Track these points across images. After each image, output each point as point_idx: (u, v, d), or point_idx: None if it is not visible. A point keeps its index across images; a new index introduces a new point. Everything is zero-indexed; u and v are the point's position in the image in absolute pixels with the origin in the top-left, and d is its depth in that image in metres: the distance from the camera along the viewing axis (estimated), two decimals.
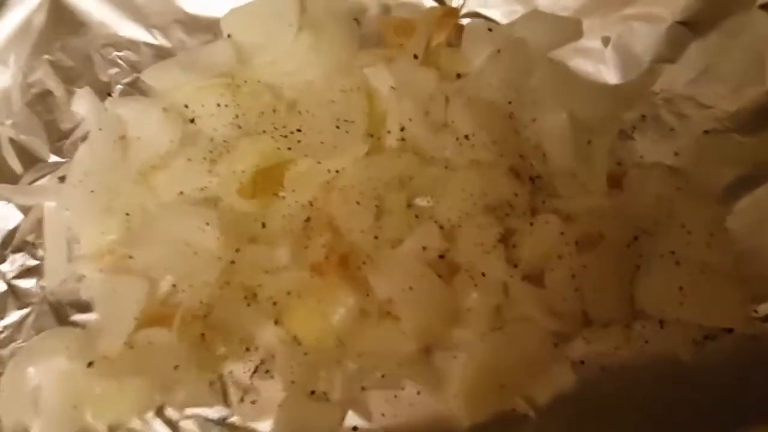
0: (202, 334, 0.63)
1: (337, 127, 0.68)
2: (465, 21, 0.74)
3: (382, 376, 0.62)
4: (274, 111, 0.71)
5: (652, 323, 0.61)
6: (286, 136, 0.69)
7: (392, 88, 0.69)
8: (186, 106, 0.72)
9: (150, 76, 0.74)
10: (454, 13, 0.73)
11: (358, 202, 0.65)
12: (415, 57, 0.70)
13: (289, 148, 0.68)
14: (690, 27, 0.68)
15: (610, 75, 0.71)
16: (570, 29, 0.71)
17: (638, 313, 0.62)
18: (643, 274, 0.62)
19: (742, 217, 0.63)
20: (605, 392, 0.60)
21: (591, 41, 0.71)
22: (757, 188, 0.64)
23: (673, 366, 0.60)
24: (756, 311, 0.60)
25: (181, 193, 0.68)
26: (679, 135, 0.67)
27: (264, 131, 0.70)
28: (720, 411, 0.58)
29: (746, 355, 0.59)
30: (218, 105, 0.71)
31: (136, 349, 0.63)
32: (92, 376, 0.62)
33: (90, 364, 0.62)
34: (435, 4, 0.75)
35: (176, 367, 0.62)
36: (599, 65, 0.71)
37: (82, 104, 0.75)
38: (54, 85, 0.77)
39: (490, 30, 0.71)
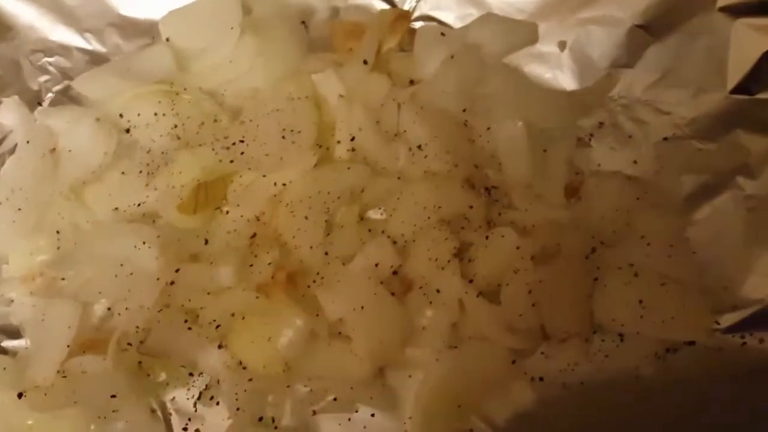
0: (140, 362, 0.61)
1: (284, 138, 0.66)
2: (417, 24, 0.73)
3: (334, 399, 0.61)
4: (215, 120, 0.69)
5: (612, 337, 0.61)
6: (228, 148, 0.67)
7: (341, 95, 0.67)
8: (121, 116, 0.69)
9: (82, 84, 0.72)
10: (406, 16, 0.72)
11: (306, 217, 0.64)
12: (366, 62, 0.69)
13: (232, 161, 0.66)
14: (648, 30, 0.68)
15: (566, 81, 0.71)
16: (525, 33, 0.71)
17: (598, 327, 0.61)
18: (602, 286, 0.62)
19: (703, 226, 0.63)
20: (565, 409, 0.60)
21: (547, 46, 0.71)
22: (717, 197, 0.63)
23: (634, 381, 0.60)
24: (718, 323, 0.60)
25: (116, 209, 0.66)
26: (637, 142, 0.67)
27: (205, 143, 0.68)
28: (683, 427, 0.57)
29: (709, 368, 0.59)
30: (156, 114, 0.68)
31: (70, 377, 0.60)
32: (24, 408, 0.60)
33: (21, 395, 0.60)
34: (386, 7, 0.74)
35: (113, 396, 0.60)
36: (556, 71, 0.71)
37: (10, 115, 0.72)
38: None
39: (443, 34, 0.70)
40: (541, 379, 0.60)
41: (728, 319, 0.60)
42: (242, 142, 0.66)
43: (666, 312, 0.60)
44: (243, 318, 0.61)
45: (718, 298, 0.61)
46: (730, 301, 0.61)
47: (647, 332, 0.60)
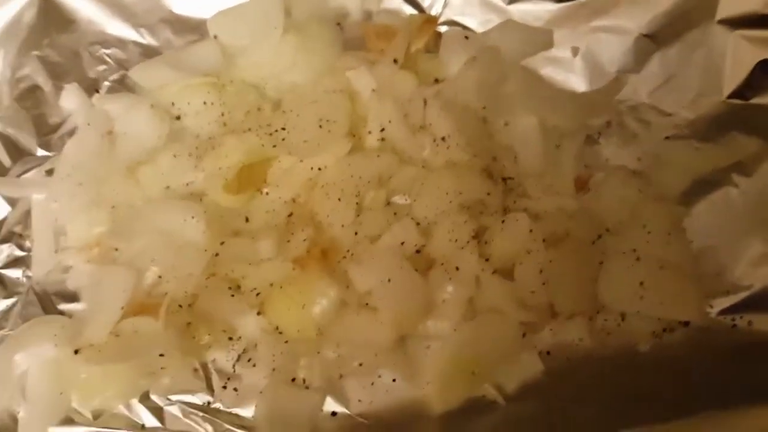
0: (188, 323, 0.65)
1: (320, 127, 0.70)
2: (443, 29, 0.77)
3: (360, 364, 0.64)
4: (259, 110, 0.73)
5: (614, 316, 0.63)
6: (270, 134, 0.70)
7: (373, 90, 0.71)
8: (173, 104, 0.73)
9: (137, 74, 0.75)
10: (433, 21, 0.76)
11: (339, 199, 0.67)
12: (395, 62, 0.72)
13: (274, 146, 0.70)
14: (654, 39, 0.71)
15: (578, 83, 0.73)
16: (542, 39, 0.73)
17: (601, 307, 0.64)
18: (606, 269, 0.64)
19: (699, 218, 0.66)
20: (570, 380, 0.62)
21: (561, 51, 0.74)
22: (713, 192, 0.66)
23: (633, 357, 0.62)
24: (711, 306, 0.63)
25: (168, 187, 0.70)
26: (641, 141, 0.70)
27: (249, 129, 0.71)
28: (675, 396, 0.60)
29: (702, 347, 0.62)
30: (204, 103, 0.72)
31: (122, 337, 0.63)
32: (78, 363, 0.63)
33: (76, 352, 0.62)
34: (415, 12, 0.77)
35: (161, 354, 0.63)
36: (568, 74, 0.73)
37: (70, 100, 0.76)
38: (42, 80, 0.78)
39: (466, 38, 0.73)
40: (548, 352, 0.63)
41: (720, 303, 0.63)
42: (283, 129, 0.70)
43: (664, 294, 0.62)
44: (280, 287, 0.65)
45: (711, 283, 0.64)
46: (722, 287, 0.63)
47: (646, 312, 0.62)
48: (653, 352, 0.62)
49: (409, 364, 0.64)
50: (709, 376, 0.60)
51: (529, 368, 0.63)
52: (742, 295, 0.63)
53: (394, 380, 0.64)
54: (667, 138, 0.70)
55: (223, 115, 0.72)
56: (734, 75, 0.68)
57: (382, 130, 0.70)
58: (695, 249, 0.65)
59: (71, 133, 0.75)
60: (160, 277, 0.67)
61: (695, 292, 0.63)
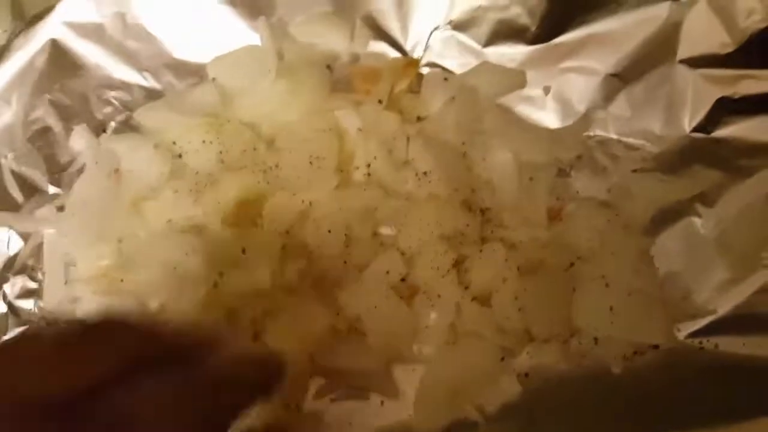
0: None
1: (311, 163, 0.73)
2: (425, 70, 0.80)
3: (350, 388, 0.67)
4: (254, 149, 0.76)
5: (588, 340, 0.66)
6: (265, 171, 0.74)
7: (359, 129, 0.74)
8: (174, 143, 0.76)
9: (142, 115, 0.79)
10: (415, 63, 0.79)
11: (329, 231, 0.71)
12: (380, 102, 0.76)
13: (268, 182, 0.73)
14: (620, 78, 0.74)
15: (550, 120, 0.76)
16: (515, 79, 0.77)
17: (575, 331, 0.66)
18: (578, 295, 0.67)
19: (665, 246, 0.69)
20: (547, 401, 0.65)
21: (534, 90, 0.77)
22: (678, 221, 0.70)
23: (606, 377, 0.65)
24: (678, 329, 0.66)
25: (170, 221, 0.72)
26: (610, 173, 0.73)
27: (245, 166, 0.74)
28: (646, 415, 0.63)
29: (671, 369, 0.65)
30: (203, 142, 0.75)
31: None
32: None
33: None
34: (399, 55, 0.81)
35: None
36: (541, 111, 0.76)
37: (79, 140, 0.79)
38: (53, 122, 0.81)
39: (446, 79, 0.76)
40: (526, 374, 0.66)
41: (688, 327, 0.66)
42: (277, 166, 0.73)
43: (632, 318, 0.65)
44: (276, 316, 0.67)
45: (678, 307, 0.66)
46: (688, 311, 0.66)
47: (617, 335, 0.65)
48: (626, 373, 0.65)
49: (396, 387, 0.67)
50: (678, 396, 0.63)
51: (509, 390, 0.65)
52: (708, 319, 0.66)
53: (382, 403, 0.66)
54: (634, 171, 0.73)
55: (221, 153, 0.75)
56: (696, 111, 0.72)
57: (369, 165, 0.73)
58: (662, 275, 0.68)
59: (80, 171, 0.78)
60: (161, 305, 0.69)
61: (662, 316, 0.66)
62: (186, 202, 0.73)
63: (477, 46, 0.79)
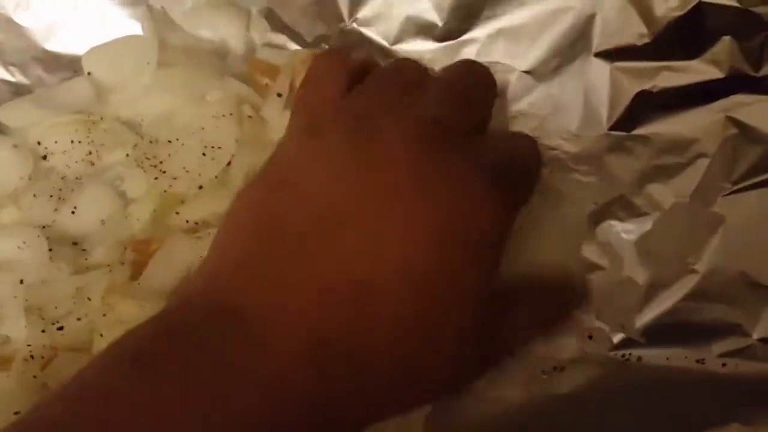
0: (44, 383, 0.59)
1: (204, 155, 0.67)
2: None
3: None
4: (135, 146, 0.70)
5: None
6: (155, 166, 0.67)
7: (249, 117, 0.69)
8: (39, 143, 0.70)
9: (4, 114, 0.72)
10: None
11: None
12: (279, 95, 0.70)
13: (156, 178, 0.66)
14: (534, 75, 0.71)
15: None
16: None
17: None
18: None
19: (582, 251, 0.65)
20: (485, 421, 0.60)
21: None
22: (597, 226, 0.66)
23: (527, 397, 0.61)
24: (600, 342, 0.62)
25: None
26: None
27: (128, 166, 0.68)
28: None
29: (594, 383, 0.61)
30: (72, 141, 0.69)
31: None
32: None
33: None
34: (299, 48, 0.76)
35: (16, 413, 0.57)
36: None
37: None
38: None
39: None
40: None
41: (609, 339, 0.62)
42: (162, 163, 0.67)
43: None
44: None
45: (596, 318, 0.62)
46: (608, 322, 0.62)
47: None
48: (543, 392, 0.61)
49: None
50: (613, 409, 0.60)
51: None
52: (631, 329, 0.62)
53: None
54: (550, 172, 0.68)
55: (90, 153, 0.69)
56: (614, 107, 0.68)
57: None
58: None
59: None
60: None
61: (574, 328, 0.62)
62: (45, 208, 0.67)
63: (384, 43, 0.75)
